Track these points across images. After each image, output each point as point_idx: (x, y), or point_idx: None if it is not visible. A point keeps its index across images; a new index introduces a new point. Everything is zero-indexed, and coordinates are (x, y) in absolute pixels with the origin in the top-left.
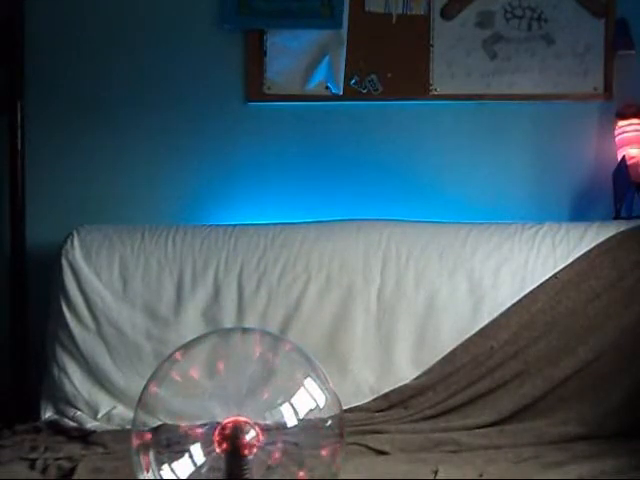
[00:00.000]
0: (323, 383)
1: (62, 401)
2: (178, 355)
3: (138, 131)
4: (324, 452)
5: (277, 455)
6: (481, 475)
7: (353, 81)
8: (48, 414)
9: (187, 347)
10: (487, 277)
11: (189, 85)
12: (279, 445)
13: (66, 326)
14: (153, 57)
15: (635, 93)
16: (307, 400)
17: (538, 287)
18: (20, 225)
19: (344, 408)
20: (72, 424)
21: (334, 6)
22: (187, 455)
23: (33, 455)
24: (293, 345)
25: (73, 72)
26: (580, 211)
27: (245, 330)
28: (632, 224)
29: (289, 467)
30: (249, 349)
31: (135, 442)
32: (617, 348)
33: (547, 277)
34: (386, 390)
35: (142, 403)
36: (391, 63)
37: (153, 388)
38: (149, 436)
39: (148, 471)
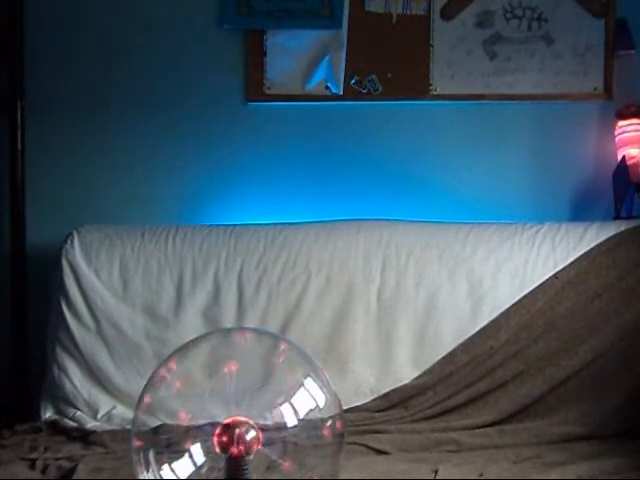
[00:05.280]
0: (323, 383)
1: (62, 401)
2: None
3: (138, 131)
4: (324, 452)
5: (277, 455)
6: (481, 475)
7: (353, 81)
8: (48, 414)
9: (184, 351)
10: (487, 277)
11: (189, 85)
12: (279, 445)
13: (66, 326)
14: (153, 57)
15: (635, 93)
16: (307, 400)
17: (538, 287)
18: (20, 225)
19: (344, 408)
20: (72, 424)
21: (334, 6)
22: (187, 455)
23: (33, 455)
24: (293, 345)
25: (73, 72)
26: (580, 211)
27: (245, 330)
28: (632, 224)
29: (289, 467)
30: (249, 349)
31: (135, 442)
32: (617, 348)
33: (547, 277)
34: (386, 390)
35: (142, 404)
36: (391, 63)
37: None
38: (149, 436)
39: (148, 471)
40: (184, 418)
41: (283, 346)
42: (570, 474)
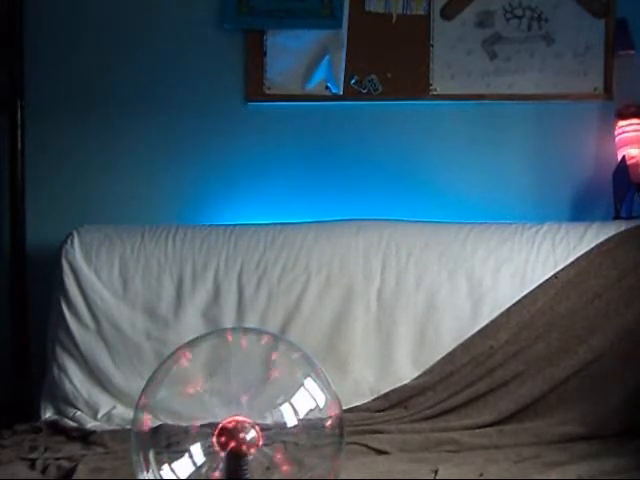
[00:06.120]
0: (323, 383)
1: (62, 401)
2: (182, 353)
3: (138, 131)
4: (324, 452)
5: (277, 455)
6: (481, 475)
7: (353, 81)
8: (48, 414)
9: (189, 346)
10: (487, 277)
11: (189, 85)
12: (279, 445)
13: (66, 326)
14: (153, 57)
15: (635, 93)
16: (307, 400)
17: (538, 287)
18: (20, 225)
19: (344, 408)
20: (72, 424)
21: (334, 6)
22: (187, 455)
23: (33, 455)
24: (293, 345)
25: (73, 72)
26: (580, 211)
27: (245, 330)
28: (632, 224)
29: (289, 467)
30: (249, 349)
31: (135, 441)
32: (617, 348)
33: (547, 277)
34: (386, 390)
35: (142, 403)
36: (391, 63)
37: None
38: (149, 436)
39: (148, 471)
40: (184, 418)
41: (283, 346)
42: (570, 474)
